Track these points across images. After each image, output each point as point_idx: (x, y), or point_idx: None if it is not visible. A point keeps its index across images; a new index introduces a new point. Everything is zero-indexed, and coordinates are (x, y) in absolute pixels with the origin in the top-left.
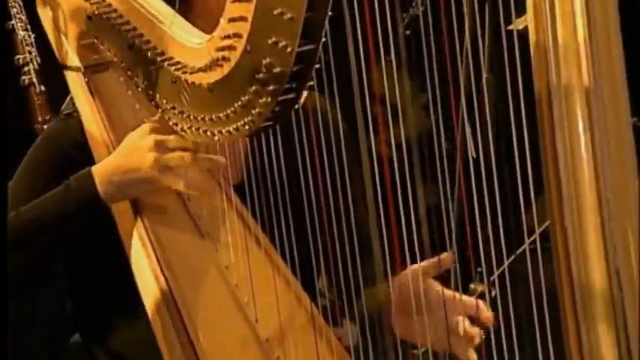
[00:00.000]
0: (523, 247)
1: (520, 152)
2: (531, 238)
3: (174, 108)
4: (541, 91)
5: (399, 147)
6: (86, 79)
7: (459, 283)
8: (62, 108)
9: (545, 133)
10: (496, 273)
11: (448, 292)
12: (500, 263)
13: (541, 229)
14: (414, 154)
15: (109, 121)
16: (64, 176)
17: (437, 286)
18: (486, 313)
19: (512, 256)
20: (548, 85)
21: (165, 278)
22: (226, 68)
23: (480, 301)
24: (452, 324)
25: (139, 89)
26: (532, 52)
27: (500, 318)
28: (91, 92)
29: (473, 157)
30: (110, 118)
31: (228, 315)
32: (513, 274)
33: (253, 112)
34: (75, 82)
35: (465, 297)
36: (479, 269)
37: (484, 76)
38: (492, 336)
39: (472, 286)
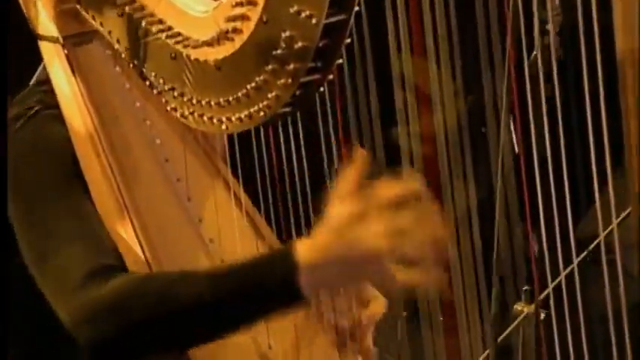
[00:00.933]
0: (580, 257)
1: (574, 147)
2: (591, 246)
3: (173, 89)
4: (625, 55)
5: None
6: (65, 52)
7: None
8: (15, 99)
9: (629, 107)
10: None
11: None
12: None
13: (603, 235)
14: (450, 147)
15: (92, 103)
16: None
17: None
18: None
19: (567, 270)
20: (633, 48)
21: None
22: (237, 42)
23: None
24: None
25: (130, 66)
26: (615, 6)
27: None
28: (72, 68)
29: (516, 153)
30: (94, 100)
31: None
32: (569, 292)
33: (270, 95)
34: (51, 55)
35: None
36: (525, 287)
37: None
38: None
39: (518, 307)
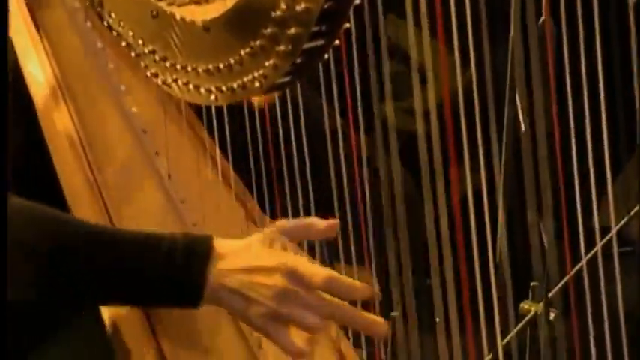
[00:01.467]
0: (593, 251)
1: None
2: (604, 240)
3: (154, 52)
4: None
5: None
6: (27, 4)
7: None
8: None
9: None
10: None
11: None
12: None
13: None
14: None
15: (58, 63)
16: None
17: None
18: None
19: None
20: None
21: None
22: (230, 1)
23: None
24: None
25: (104, 23)
26: None
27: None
28: (35, 23)
29: (523, 130)
30: (60, 60)
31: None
32: (581, 290)
33: (266, 63)
34: (11, 8)
35: None
36: (533, 283)
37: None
38: None
39: (524, 305)
